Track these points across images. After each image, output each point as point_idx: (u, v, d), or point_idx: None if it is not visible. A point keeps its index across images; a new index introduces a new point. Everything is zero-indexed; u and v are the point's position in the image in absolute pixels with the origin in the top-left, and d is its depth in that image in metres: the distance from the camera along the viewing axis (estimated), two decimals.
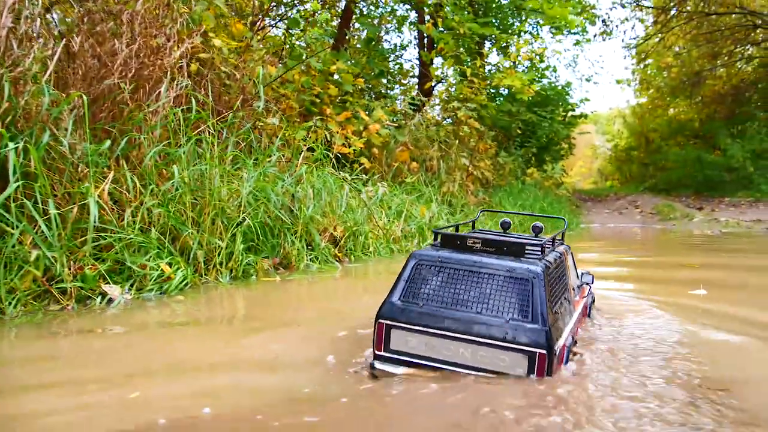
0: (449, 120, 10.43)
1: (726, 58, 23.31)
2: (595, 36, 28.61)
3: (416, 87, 12.05)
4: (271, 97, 7.40)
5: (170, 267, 3.67)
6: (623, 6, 23.08)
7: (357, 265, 5.15)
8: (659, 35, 22.18)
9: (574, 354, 2.33)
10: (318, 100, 8.30)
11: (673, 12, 21.75)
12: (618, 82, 29.30)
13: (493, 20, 14.57)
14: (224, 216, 4.19)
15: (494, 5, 14.91)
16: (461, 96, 10.48)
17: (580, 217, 14.50)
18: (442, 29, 10.83)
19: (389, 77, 13.29)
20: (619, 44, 52.21)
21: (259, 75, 5.22)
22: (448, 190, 8.75)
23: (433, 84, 11.77)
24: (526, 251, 2.22)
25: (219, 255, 4.08)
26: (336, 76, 8.80)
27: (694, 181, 21.10)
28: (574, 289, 2.67)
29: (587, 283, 3.00)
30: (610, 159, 34.20)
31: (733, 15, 20.84)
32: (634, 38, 23.32)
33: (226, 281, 4.03)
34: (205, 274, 3.98)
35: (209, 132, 4.47)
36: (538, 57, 17.66)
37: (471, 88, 10.73)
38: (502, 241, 2.22)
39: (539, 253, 2.26)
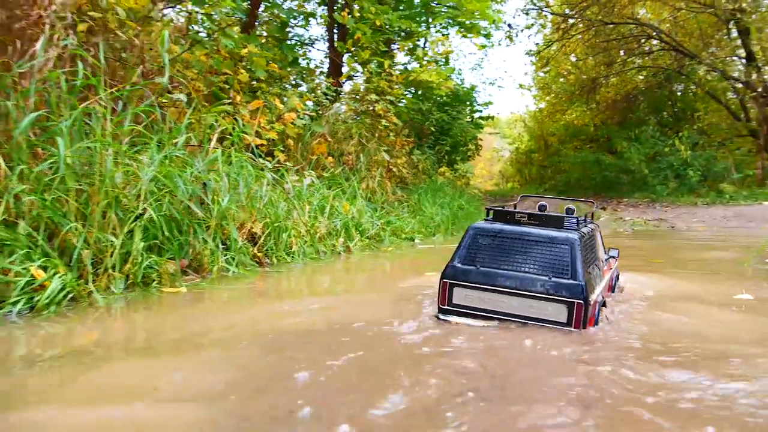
0: (366, 112, 9.82)
1: (620, 66, 24.22)
2: (500, 41, 29.17)
3: (330, 80, 11.37)
4: (176, 79, 6.50)
5: (44, 272, 2.79)
6: (526, 13, 23.50)
7: (280, 270, 4.40)
8: (559, 42, 22.66)
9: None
10: (227, 86, 7.45)
11: (572, 21, 22.30)
12: (520, 86, 29.96)
13: (408, 15, 14.13)
14: (119, 207, 3.32)
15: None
16: (379, 89, 9.90)
17: None
18: (357, 20, 10.22)
19: (299, 74, 12.54)
20: (521, 50, 53.78)
21: (164, 39, 4.30)
22: (368, 186, 8.13)
23: (350, 75, 11.13)
24: (565, 223, 2.65)
25: (112, 256, 3.20)
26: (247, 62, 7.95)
27: (592, 183, 21.71)
28: (602, 260, 3.12)
29: (614, 257, 3.40)
30: (511, 161, 34.92)
31: (627, 26, 21.63)
32: (537, 44, 23.71)
33: (120, 290, 3.18)
34: (93, 281, 3.08)
35: (101, 104, 3.57)
36: (444, 59, 17.50)
37: (388, 82, 10.19)
38: (544, 215, 2.67)
39: (575, 225, 2.69)
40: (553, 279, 2.40)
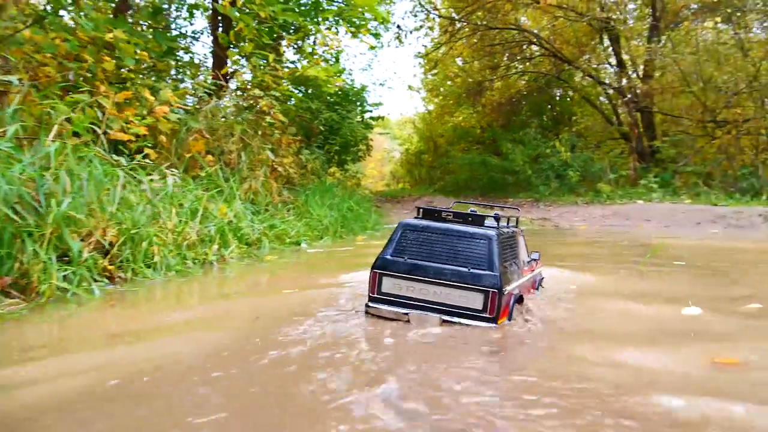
0: (250, 108, 9.16)
1: (504, 71, 24.85)
2: (389, 42, 29.13)
3: (211, 72, 10.56)
4: (22, 62, 5.61)
5: None
6: (415, 15, 23.56)
7: (135, 288, 3.72)
8: (447, 45, 22.89)
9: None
10: (89, 74, 6.59)
11: (459, 25, 22.59)
12: (410, 88, 30.10)
13: (295, 9, 13.55)
14: None
15: None
16: (263, 84, 9.27)
17: (383, 217, 14.05)
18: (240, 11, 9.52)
19: (182, 68, 11.64)
20: (411, 52, 54.26)
21: None
22: (250, 187, 7.50)
23: (234, 69, 10.40)
24: (485, 222, 2.88)
25: None
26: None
27: (479, 184, 22.10)
28: (523, 261, 3.31)
29: (535, 260, 3.61)
30: (401, 162, 35.08)
31: (510, 31, 22.20)
32: (425, 46, 23.84)
33: None
34: None
35: None
36: (333, 56, 17.14)
37: (273, 77, 9.59)
38: (467, 214, 2.90)
39: (495, 224, 2.90)
40: (472, 270, 2.62)
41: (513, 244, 3.09)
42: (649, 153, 17.92)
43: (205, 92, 8.32)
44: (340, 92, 19.33)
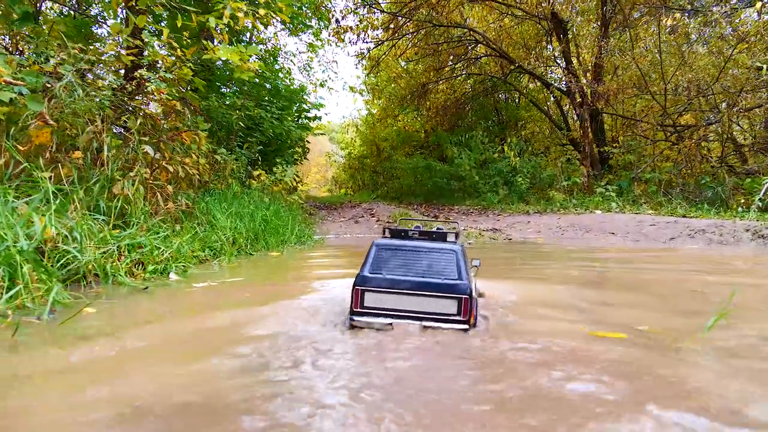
0: (132, 91, 7.18)
1: (449, 72, 23.46)
2: (329, 38, 27.38)
3: (74, 44, 8.52)
4: None
5: None
6: (355, 12, 21.86)
7: None
8: (389, 42, 21.26)
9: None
10: None
11: (402, 21, 21.01)
12: (351, 89, 28.35)
13: None
14: None
15: None
16: (155, 62, 7.34)
17: (313, 227, 12.23)
18: None
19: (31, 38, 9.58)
20: (353, 52, 52.59)
21: None
22: (121, 192, 5.57)
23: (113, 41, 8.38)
24: (447, 238, 3.13)
25: None
26: None
27: (423, 189, 20.53)
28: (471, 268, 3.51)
29: (476, 266, 3.68)
30: (343, 167, 33.33)
31: (456, 31, 20.75)
32: (366, 42, 22.07)
33: None
34: None
35: None
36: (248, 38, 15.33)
37: (174, 55, 7.66)
38: (431, 232, 3.15)
39: (454, 239, 3.16)
40: (445, 280, 2.79)
41: (466, 255, 3.16)
42: (599, 160, 16.69)
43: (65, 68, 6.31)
44: (273, 89, 17.58)
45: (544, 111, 21.95)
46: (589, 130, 15.64)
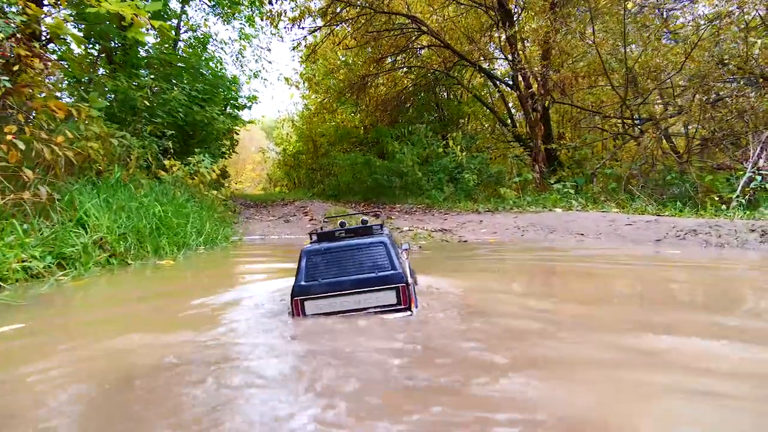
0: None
1: (389, 65, 21.99)
2: (262, 26, 25.48)
3: None
4: None
5: None
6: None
7: None
8: (327, 28, 19.57)
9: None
10: None
11: (341, 7, 19.37)
12: (287, 81, 26.46)
13: None
14: None
15: None
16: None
17: (235, 226, 10.47)
18: None
19: None
20: (288, 41, 50.34)
21: None
22: None
23: None
24: (374, 231, 3.09)
25: None
26: None
27: (362, 187, 18.94)
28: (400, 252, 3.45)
29: (406, 250, 3.65)
30: (278, 164, 31.36)
31: (398, 20, 19.27)
32: (302, 28, 20.27)
33: None
34: None
35: None
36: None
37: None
38: (356, 228, 3.08)
39: (381, 230, 3.16)
40: (379, 274, 2.77)
41: (394, 242, 3.11)
42: (546, 156, 15.54)
43: None
44: (198, 75, 15.63)
45: (489, 106, 20.77)
46: (541, 123, 14.44)
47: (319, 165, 25.40)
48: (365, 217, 3.29)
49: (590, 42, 11.73)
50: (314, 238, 3.11)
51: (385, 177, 17.41)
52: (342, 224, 3.29)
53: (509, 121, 19.55)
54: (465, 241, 7.94)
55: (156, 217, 5.97)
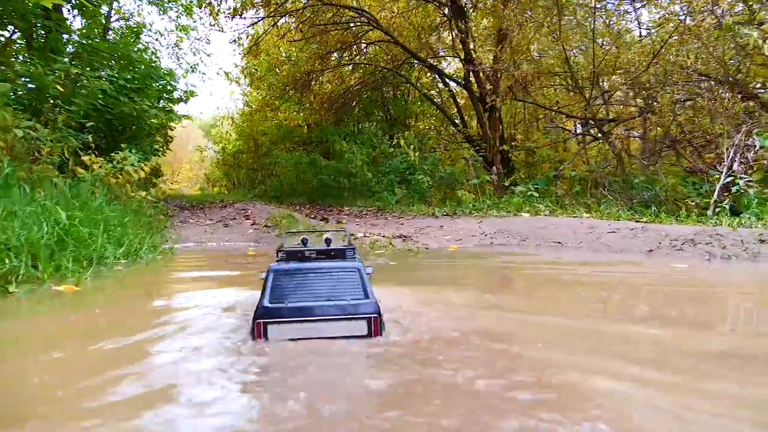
0: None
1: (336, 61, 20.92)
2: (201, 18, 23.94)
3: None
4: None
5: None
6: None
7: None
8: (271, 18, 18.32)
9: None
10: None
11: (283, 1, 18.15)
12: (226, 75, 24.92)
13: None
14: None
15: None
16: None
17: (167, 231, 9.21)
18: None
19: None
20: (228, 31, 48.33)
21: None
22: None
23: None
24: (346, 254, 2.92)
25: None
26: None
27: (307, 188, 17.81)
28: None
29: (369, 274, 3.10)
30: (217, 163, 29.70)
31: (346, 13, 18.21)
32: (244, 18, 18.90)
33: None
34: None
35: None
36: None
37: None
38: (329, 249, 2.92)
39: (353, 254, 2.95)
40: (351, 301, 2.59)
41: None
42: (500, 158, 14.85)
43: None
44: (124, 61, 14.13)
45: (439, 106, 20.00)
46: (499, 122, 13.71)
47: (261, 165, 24.07)
48: (329, 236, 3.11)
49: (555, 36, 11.04)
50: (281, 255, 2.92)
51: (332, 178, 16.34)
52: (304, 241, 3.11)
53: (459, 121, 18.82)
54: (426, 247, 7.02)
55: (59, 226, 4.72)
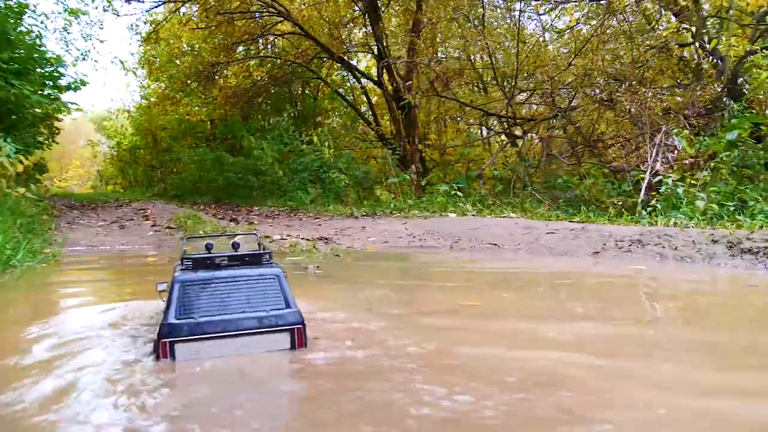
0: None
1: (242, 53, 19.76)
2: (93, 0, 22.02)
3: None
4: None
5: None
6: None
7: None
8: (172, 5, 16.94)
9: None
10: None
11: None
12: (122, 65, 22.99)
13: None
14: None
15: None
16: None
17: (52, 234, 7.97)
18: None
19: None
20: (127, 21, 45.11)
21: None
22: None
23: None
24: (263, 259, 2.58)
25: None
26: None
27: (212, 187, 16.58)
28: None
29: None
30: (112, 160, 27.40)
31: (255, 3, 17.13)
32: (143, 1, 17.35)
33: None
34: None
35: None
36: None
37: None
38: (242, 255, 2.55)
39: (269, 259, 2.60)
40: (271, 312, 2.35)
41: (286, 278, 2.57)
42: (418, 157, 14.43)
43: None
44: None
45: (351, 103, 19.36)
46: (416, 120, 13.25)
47: (160, 161, 22.42)
48: (238, 240, 2.78)
49: (478, 30, 10.70)
50: (187, 263, 2.55)
51: (239, 176, 15.27)
52: (208, 246, 2.69)
53: (372, 119, 18.27)
54: (350, 249, 6.38)
55: None
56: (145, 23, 19.13)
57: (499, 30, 11.07)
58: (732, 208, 6.40)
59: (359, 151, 17.71)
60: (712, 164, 7.69)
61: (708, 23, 10.53)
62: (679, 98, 9.53)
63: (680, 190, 6.93)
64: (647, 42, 9.94)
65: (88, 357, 2.30)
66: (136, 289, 4.09)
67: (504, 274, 4.67)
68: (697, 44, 9.88)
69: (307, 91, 21.42)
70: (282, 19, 17.03)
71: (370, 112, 18.59)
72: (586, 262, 5.10)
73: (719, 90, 9.40)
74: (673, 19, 10.43)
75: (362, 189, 13.27)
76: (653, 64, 9.43)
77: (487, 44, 10.46)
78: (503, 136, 12.60)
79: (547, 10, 11.20)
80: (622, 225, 6.40)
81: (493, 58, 10.65)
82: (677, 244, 5.01)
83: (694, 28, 9.43)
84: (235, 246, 2.67)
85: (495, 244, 6.37)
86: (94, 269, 5.65)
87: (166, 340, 2.21)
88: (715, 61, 9.58)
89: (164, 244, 7.88)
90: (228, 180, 15.59)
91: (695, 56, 10.74)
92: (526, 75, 10.73)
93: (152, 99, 24.28)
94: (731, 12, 10.21)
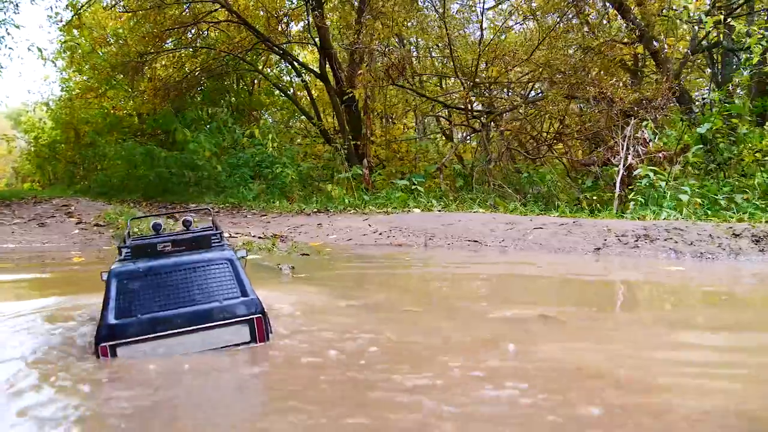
0: None
1: (175, 42, 18.27)
2: None
3: None
4: None
5: None
6: None
7: None
8: None
9: None
10: None
11: None
12: (40, 53, 20.93)
13: None
14: None
15: None
16: None
17: None
18: None
19: None
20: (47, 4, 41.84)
21: None
22: None
23: None
24: (212, 241, 2.26)
25: None
26: None
27: (142, 183, 15.16)
28: None
29: (243, 257, 2.52)
30: (29, 155, 25.06)
31: None
32: None
33: None
34: None
35: None
36: None
37: None
38: (189, 238, 2.22)
39: (219, 241, 2.30)
40: (225, 302, 2.01)
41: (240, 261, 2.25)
42: (363, 151, 13.61)
43: None
44: None
45: (290, 97, 18.30)
46: (365, 113, 12.42)
47: (83, 157, 20.57)
48: (189, 217, 2.41)
49: (438, 14, 9.99)
50: (125, 252, 2.19)
51: (172, 171, 13.94)
52: (156, 227, 2.35)
53: (314, 113, 17.29)
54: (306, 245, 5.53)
55: None
56: (66, 8, 17.39)
57: (462, 13, 10.47)
58: (723, 202, 5.97)
59: (301, 148, 16.71)
60: (684, 158, 7.34)
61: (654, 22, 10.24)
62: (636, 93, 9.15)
63: (663, 184, 6.47)
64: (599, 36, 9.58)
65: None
66: (57, 292, 3.17)
67: (520, 277, 3.94)
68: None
69: (242, 86, 20.16)
70: (218, 7, 15.77)
71: (312, 107, 17.61)
72: (589, 260, 4.48)
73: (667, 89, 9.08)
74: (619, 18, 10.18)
75: (309, 185, 12.33)
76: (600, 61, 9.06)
77: (447, 32, 9.77)
78: (454, 131, 11.99)
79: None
80: (614, 219, 5.83)
81: (452, 47, 9.98)
82: (691, 239, 4.46)
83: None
84: (187, 224, 2.40)
85: (476, 241, 5.68)
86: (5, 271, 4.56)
87: (105, 345, 1.92)
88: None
89: (92, 243, 6.77)
90: (160, 176, 14.27)
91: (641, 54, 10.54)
92: (485, 64, 10.16)
93: (74, 91, 22.34)
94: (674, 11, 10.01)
